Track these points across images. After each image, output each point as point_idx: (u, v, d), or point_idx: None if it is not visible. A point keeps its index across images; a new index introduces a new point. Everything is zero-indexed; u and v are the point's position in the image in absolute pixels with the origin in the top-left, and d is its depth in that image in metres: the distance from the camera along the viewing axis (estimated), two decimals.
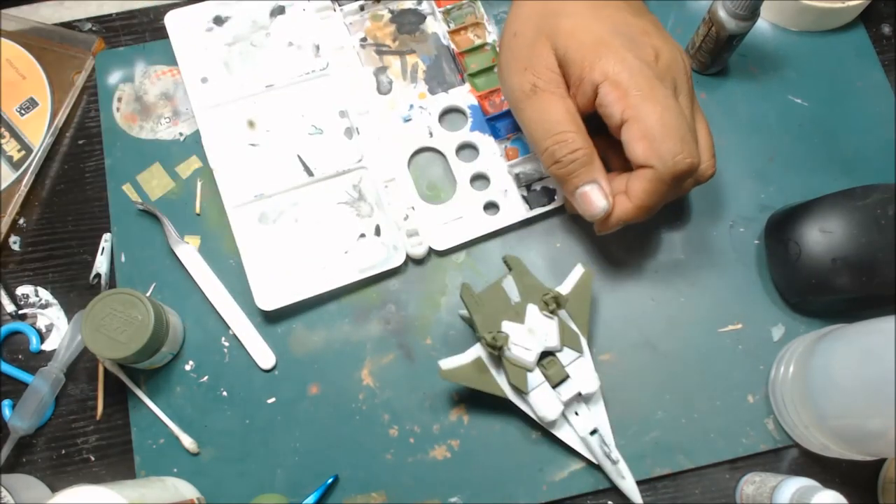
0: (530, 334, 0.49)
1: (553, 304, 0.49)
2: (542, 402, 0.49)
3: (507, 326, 0.49)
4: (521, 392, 0.49)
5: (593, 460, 0.51)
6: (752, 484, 0.50)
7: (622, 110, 0.45)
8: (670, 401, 0.53)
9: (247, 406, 0.53)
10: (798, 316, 0.55)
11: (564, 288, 0.52)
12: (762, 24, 0.61)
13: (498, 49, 0.58)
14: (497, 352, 0.48)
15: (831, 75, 0.60)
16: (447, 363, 0.50)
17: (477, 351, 0.50)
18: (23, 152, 0.57)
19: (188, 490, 0.50)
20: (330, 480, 0.51)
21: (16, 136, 0.57)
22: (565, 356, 0.49)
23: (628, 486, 0.50)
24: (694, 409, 0.53)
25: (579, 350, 0.49)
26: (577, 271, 0.52)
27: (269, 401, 0.53)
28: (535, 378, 0.49)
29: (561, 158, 0.47)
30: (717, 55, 0.57)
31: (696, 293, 0.56)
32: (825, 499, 0.44)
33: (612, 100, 0.45)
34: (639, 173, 0.46)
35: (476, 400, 0.53)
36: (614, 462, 0.49)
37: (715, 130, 0.59)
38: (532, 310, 0.49)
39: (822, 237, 0.51)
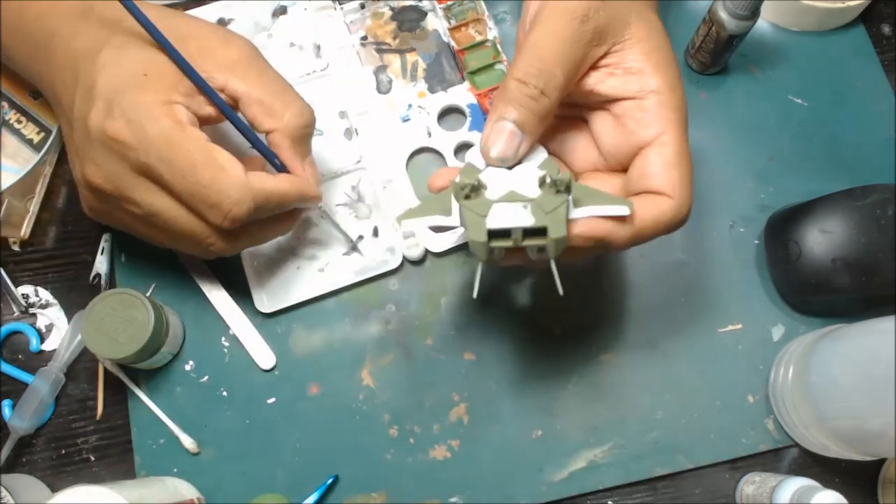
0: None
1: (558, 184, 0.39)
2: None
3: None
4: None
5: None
6: (751, 484, 0.50)
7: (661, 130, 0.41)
8: (670, 401, 0.53)
9: (247, 406, 0.53)
10: (798, 316, 0.55)
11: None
12: (762, 24, 0.61)
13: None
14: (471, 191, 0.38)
15: (831, 75, 0.60)
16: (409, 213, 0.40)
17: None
18: (42, 134, 0.56)
19: (188, 490, 0.50)
20: (330, 480, 0.51)
21: (32, 119, 0.56)
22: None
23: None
24: (694, 409, 0.53)
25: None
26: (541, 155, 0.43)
27: (269, 401, 0.53)
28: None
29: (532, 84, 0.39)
30: (717, 55, 0.57)
31: (696, 293, 0.56)
32: (825, 499, 0.44)
33: (654, 116, 0.41)
34: (655, 199, 0.41)
35: (476, 400, 0.53)
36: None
37: (715, 130, 0.59)
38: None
39: (821, 237, 0.51)
